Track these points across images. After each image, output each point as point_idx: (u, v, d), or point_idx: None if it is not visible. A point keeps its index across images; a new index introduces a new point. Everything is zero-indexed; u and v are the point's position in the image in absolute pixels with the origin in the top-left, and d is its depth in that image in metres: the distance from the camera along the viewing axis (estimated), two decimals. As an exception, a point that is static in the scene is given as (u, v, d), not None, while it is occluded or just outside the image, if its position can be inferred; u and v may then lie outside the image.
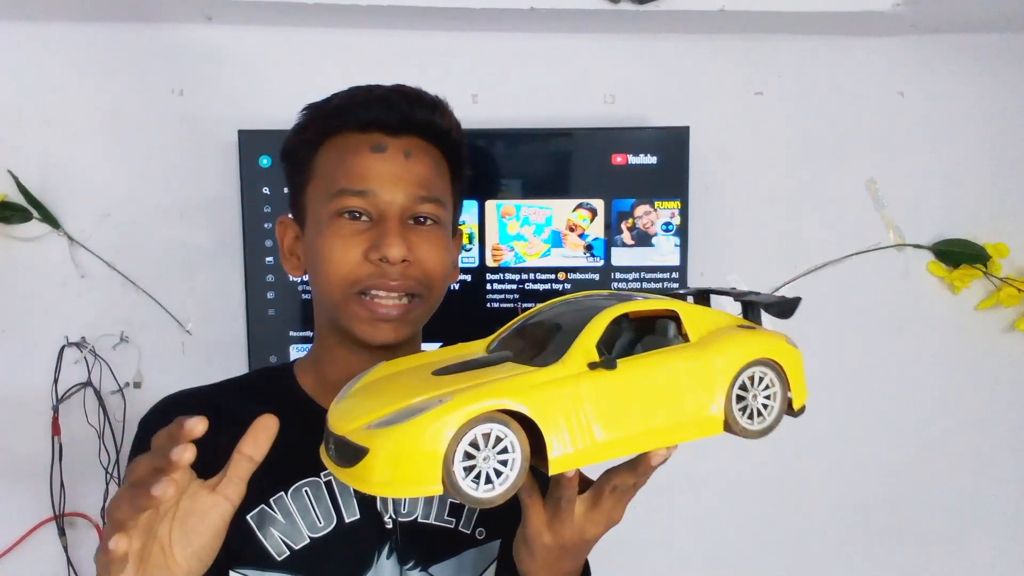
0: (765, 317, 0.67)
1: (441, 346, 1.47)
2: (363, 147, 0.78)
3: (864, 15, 1.51)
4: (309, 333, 1.54)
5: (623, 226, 1.55)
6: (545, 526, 0.64)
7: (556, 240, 1.55)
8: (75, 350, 1.57)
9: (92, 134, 1.56)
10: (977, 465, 1.71)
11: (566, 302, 0.66)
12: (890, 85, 1.66)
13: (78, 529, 1.59)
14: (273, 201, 1.52)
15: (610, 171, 1.55)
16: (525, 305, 1.56)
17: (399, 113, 0.79)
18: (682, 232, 1.55)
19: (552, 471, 0.54)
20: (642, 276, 1.56)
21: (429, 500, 0.81)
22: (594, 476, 0.65)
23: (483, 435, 0.51)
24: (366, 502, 0.79)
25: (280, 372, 0.90)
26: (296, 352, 1.55)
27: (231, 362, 1.58)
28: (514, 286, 1.56)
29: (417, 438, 0.51)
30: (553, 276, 1.56)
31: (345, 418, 0.57)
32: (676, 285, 1.56)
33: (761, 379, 0.60)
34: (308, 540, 0.77)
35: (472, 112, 1.59)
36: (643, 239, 1.56)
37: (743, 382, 0.60)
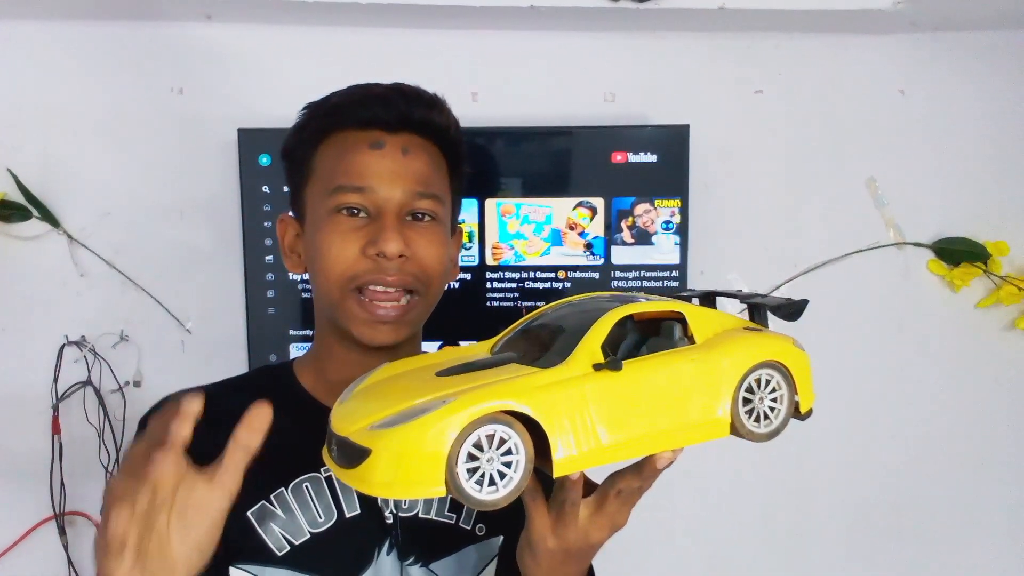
0: (771, 319, 0.66)
1: (441, 345, 1.48)
2: (361, 144, 0.79)
3: (864, 13, 1.51)
4: (309, 332, 1.54)
5: (623, 224, 1.55)
6: (549, 530, 0.64)
7: (556, 239, 1.55)
8: (75, 349, 1.57)
9: (92, 133, 1.56)
10: (977, 464, 1.71)
11: (570, 304, 0.65)
12: (890, 83, 1.66)
13: (78, 528, 1.59)
14: (273, 200, 1.52)
15: (610, 169, 1.55)
16: (527, 305, 1.56)
17: (397, 111, 0.79)
18: (682, 230, 1.55)
19: (556, 473, 0.54)
20: (642, 274, 1.56)
21: None
22: (597, 478, 0.65)
23: (487, 436, 0.51)
24: (367, 497, 0.79)
25: (279, 370, 0.90)
26: (296, 351, 1.55)
27: (231, 361, 1.58)
28: (514, 285, 1.56)
29: (420, 439, 0.50)
30: (553, 275, 1.56)
31: (348, 419, 0.57)
32: (676, 284, 1.56)
33: (768, 382, 0.60)
34: (308, 535, 0.77)
35: (472, 110, 1.59)
36: (643, 237, 1.56)
37: (750, 384, 0.59)
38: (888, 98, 1.66)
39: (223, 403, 0.84)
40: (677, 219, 1.55)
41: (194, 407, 0.56)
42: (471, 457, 0.51)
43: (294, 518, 0.77)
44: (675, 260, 1.56)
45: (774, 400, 0.60)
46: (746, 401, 0.59)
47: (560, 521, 0.63)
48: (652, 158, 1.55)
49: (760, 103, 1.66)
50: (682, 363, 0.58)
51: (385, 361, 0.83)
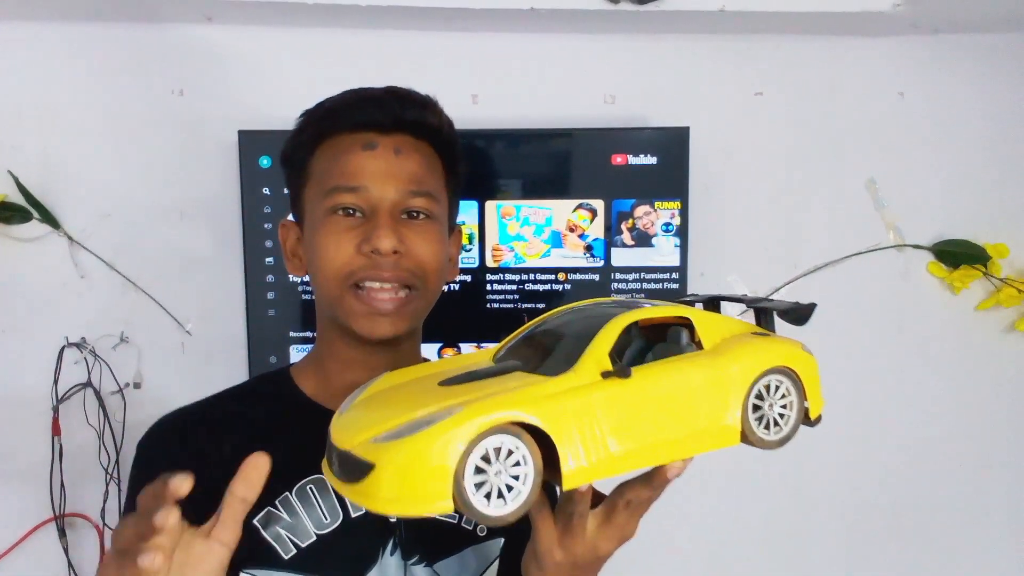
0: (777, 323, 0.66)
1: (442, 346, 1.47)
2: (355, 146, 0.80)
3: (864, 15, 1.51)
4: (309, 333, 1.54)
5: (623, 226, 1.55)
6: (556, 542, 0.63)
7: (556, 240, 1.55)
8: (75, 350, 1.57)
9: (93, 135, 1.56)
10: (977, 465, 1.71)
11: (574, 310, 0.64)
12: (890, 85, 1.66)
13: (78, 530, 1.59)
14: (273, 201, 1.52)
15: (610, 171, 1.55)
16: (528, 307, 1.56)
17: (390, 112, 0.80)
18: (682, 232, 1.55)
19: (566, 486, 0.52)
20: (642, 276, 1.56)
21: None
22: (602, 488, 0.64)
23: (494, 448, 0.49)
24: None
25: (277, 377, 0.90)
26: (296, 353, 1.55)
27: (231, 362, 1.58)
28: (514, 287, 1.56)
29: (426, 452, 0.48)
30: (553, 276, 1.56)
31: (348, 431, 0.55)
32: (676, 286, 1.56)
33: (777, 388, 0.59)
34: (315, 537, 0.77)
35: (472, 112, 1.59)
36: (643, 239, 1.56)
37: (759, 391, 0.58)
38: (888, 100, 1.66)
39: (222, 414, 0.85)
40: (677, 221, 1.55)
41: (183, 489, 0.55)
42: (478, 470, 0.49)
43: (300, 521, 0.78)
44: (675, 262, 1.56)
45: (784, 407, 0.59)
46: (755, 408, 0.58)
47: (567, 533, 0.62)
48: (652, 160, 1.55)
49: (760, 105, 1.66)
50: (691, 370, 0.56)
51: (386, 359, 0.83)
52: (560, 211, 1.55)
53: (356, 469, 0.51)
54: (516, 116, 1.60)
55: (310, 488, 0.79)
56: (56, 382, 1.55)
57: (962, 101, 1.66)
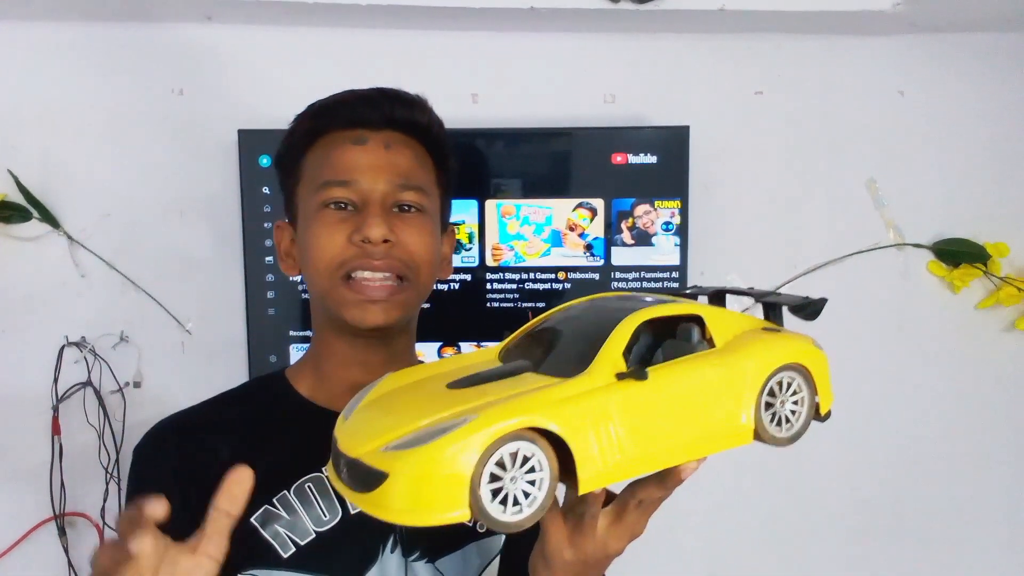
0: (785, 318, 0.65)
1: (442, 345, 1.47)
2: (346, 142, 0.82)
3: (864, 14, 1.51)
4: (309, 333, 1.54)
5: (623, 226, 1.55)
6: (566, 542, 0.62)
7: (556, 240, 1.55)
8: (75, 350, 1.57)
9: (92, 134, 1.56)
10: (977, 465, 1.71)
11: (578, 306, 0.63)
12: (890, 84, 1.66)
13: (78, 529, 1.59)
14: (273, 201, 1.52)
15: (610, 171, 1.55)
16: (530, 306, 1.56)
17: (380, 110, 0.82)
18: (682, 231, 1.55)
19: (582, 490, 0.51)
20: (642, 275, 1.56)
21: None
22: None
23: (510, 455, 0.48)
24: None
25: (272, 379, 0.91)
26: (296, 352, 1.55)
27: (231, 362, 1.58)
28: (514, 286, 1.56)
29: (441, 461, 0.47)
30: (553, 276, 1.56)
31: (357, 438, 0.54)
32: (676, 285, 1.56)
33: (789, 384, 0.58)
34: (314, 535, 0.77)
35: (472, 111, 1.59)
36: (643, 239, 1.56)
37: (771, 388, 0.57)
38: (888, 99, 1.66)
39: (218, 419, 0.85)
40: (677, 220, 1.55)
41: (158, 512, 0.55)
42: (493, 477, 0.48)
43: (299, 518, 0.78)
44: (675, 261, 1.56)
45: (795, 403, 0.59)
46: (767, 405, 0.58)
47: (578, 533, 0.62)
48: (652, 159, 1.55)
49: (760, 104, 1.66)
50: (706, 368, 0.56)
51: (381, 356, 0.84)
52: (560, 210, 1.55)
53: (368, 478, 0.50)
54: (516, 115, 1.60)
55: (308, 487, 0.79)
56: (56, 381, 1.55)
57: (962, 100, 1.66)
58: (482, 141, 1.55)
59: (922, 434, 1.71)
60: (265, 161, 1.51)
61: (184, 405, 0.88)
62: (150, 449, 0.84)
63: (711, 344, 0.58)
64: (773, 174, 1.67)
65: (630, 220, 1.55)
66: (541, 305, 1.55)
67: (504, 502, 0.49)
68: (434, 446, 0.48)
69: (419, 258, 0.81)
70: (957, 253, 1.64)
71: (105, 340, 1.58)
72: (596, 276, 1.56)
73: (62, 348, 1.56)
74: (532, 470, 0.49)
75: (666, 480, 0.59)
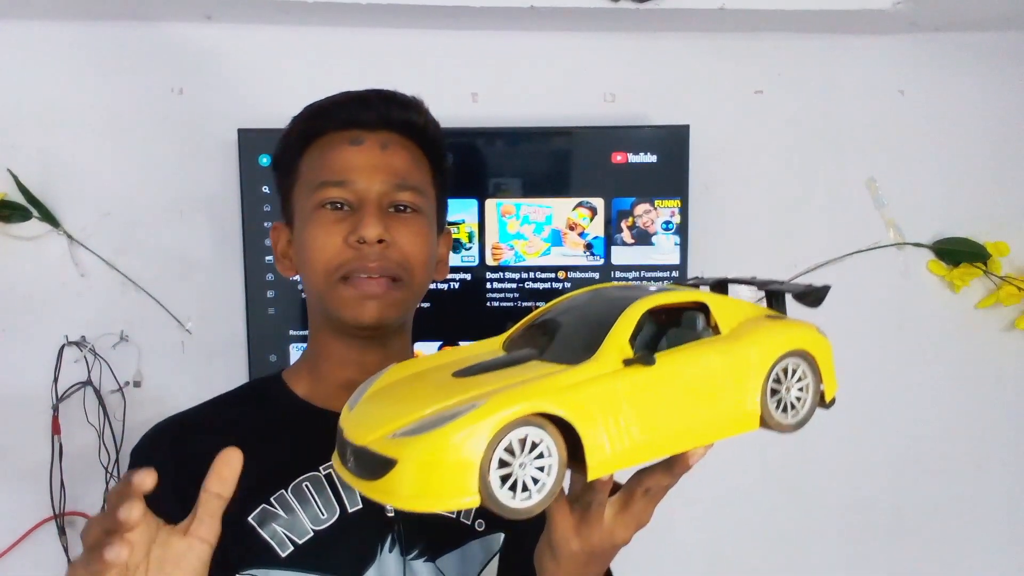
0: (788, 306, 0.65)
1: (442, 345, 1.47)
2: (342, 142, 0.82)
3: (864, 13, 1.51)
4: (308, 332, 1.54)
5: (623, 225, 1.55)
6: (572, 532, 0.62)
7: (556, 239, 1.55)
8: (75, 349, 1.57)
9: (92, 133, 1.56)
10: (977, 464, 1.71)
11: (579, 296, 0.63)
12: (890, 83, 1.66)
13: (78, 528, 1.59)
14: (273, 200, 1.51)
15: (610, 170, 1.55)
16: (533, 304, 1.56)
17: (376, 111, 0.82)
18: (682, 231, 1.55)
19: (591, 476, 0.51)
20: (642, 275, 1.56)
21: None
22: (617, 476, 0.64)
23: (519, 440, 0.48)
24: None
25: (269, 381, 0.91)
26: (296, 352, 1.55)
27: (231, 362, 1.58)
28: (514, 285, 1.56)
29: (450, 446, 0.47)
30: (553, 275, 1.56)
31: (364, 427, 0.54)
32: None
33: (795, 371, 0.59)
34: (312, 534, 0.77)
35: (472, 111, 1.59)
36: (643, 238, 1.56)
37: (777, 375, 0.58)
38: (888, 98, 1.66)
39: (215, 420, 0.85)
40: (677, 219, 1.55)
41: (148, 484, 0.55)
42: (502, 463, 0.48)
43: (296, 517, 0.78)
44: (675, 260, 1.56)
45: (800, 390, 0.59)
46: (773, 392, 0.58)
47: (584, 522, 0.62)
48: (652, 158, 1.55)
49: (760, 103, 1.66)
50: (712, 355, 0.56)
51: (378, 357, 0.84)
52: (560, 209, 1.55)
53: (375, 465, 0.50)
54: (516, 114, 1.60)
55: (306, 486, 0.79)
56: (56, 381, 1.55)
57: (962, 99, 1.66)
58: (482, 140, 1.55)
59: (922, 434, 1.71)
60: (265, 160, 1.51)
61: (184, 405, 0.88)
62: (147, 451, 0.84)
63: (716, 331, 0.58)
64: (773, 173, 1.67)
65: (630, 219, 1.55)
66: (541, 304, 1.55)
67: (513, 488, 0.49)
68: (443, 432, 0.48)
69: (414, 259, 0.82)
70: (957, 252, 1.64)
71: (105, 340, 1.58)
72: (596, 275, 1.56)
73: (62, 347, 1.56)
74: (541, 456, 0.49)
75: (673, 467, 0.59)
